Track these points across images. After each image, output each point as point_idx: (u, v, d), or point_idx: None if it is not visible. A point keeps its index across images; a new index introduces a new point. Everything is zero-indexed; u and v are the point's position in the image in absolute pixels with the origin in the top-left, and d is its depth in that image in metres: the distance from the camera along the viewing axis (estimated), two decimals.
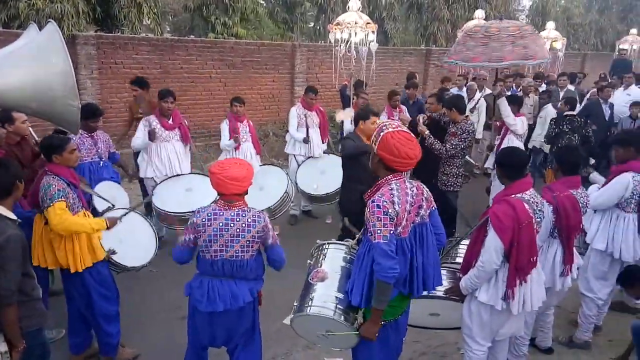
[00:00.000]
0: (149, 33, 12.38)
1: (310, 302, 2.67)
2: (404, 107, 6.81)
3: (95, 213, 3.76)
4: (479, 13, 11.00)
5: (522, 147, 5.86)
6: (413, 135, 2.61)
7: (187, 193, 4.98)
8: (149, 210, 5.34)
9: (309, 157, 6.13)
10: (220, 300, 2.79)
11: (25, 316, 2.58)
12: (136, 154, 5.51)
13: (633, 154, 3.85)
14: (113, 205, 3.94)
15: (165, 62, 9.04)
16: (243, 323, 2.94)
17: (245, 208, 2.82)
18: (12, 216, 2.60)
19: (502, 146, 5.63)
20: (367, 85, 7.63)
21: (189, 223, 2.84)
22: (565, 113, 6.50)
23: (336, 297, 2.65)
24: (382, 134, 2.53)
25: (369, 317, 2.59)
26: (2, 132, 3.67)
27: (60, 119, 3.00)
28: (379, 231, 2.41)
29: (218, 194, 2.84)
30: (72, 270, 3.28)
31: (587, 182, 4.22)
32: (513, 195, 2.89)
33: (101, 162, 4.55)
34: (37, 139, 4.17)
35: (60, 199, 3.15)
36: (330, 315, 2.60)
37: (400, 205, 2.46)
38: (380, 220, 2.41)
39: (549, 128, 6.69)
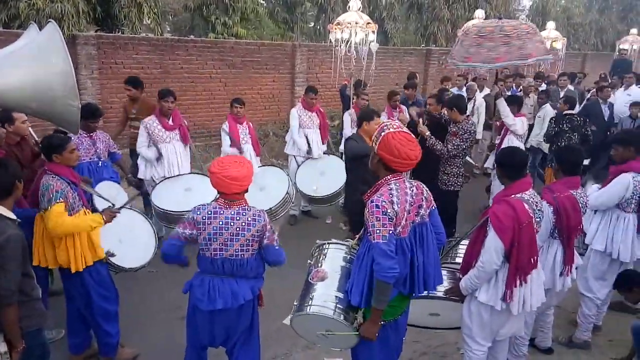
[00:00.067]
0: (149, 33, 12.37)
1: (310, 301, 2.67)
2: (404, 107, 6.81)
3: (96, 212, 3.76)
4: (479, 13, 11.01)
5: (522, 147, 5.86)
6: (413, 135, 2.61)
7: (186, 193, 4.99)
8: (148, 210, 5.34)
9: (309, 158, 6.13)
10: (220, 298, 2.79)
11: (25, 316, 2.58)
12: (135, 155, 5.51)
13: (633, 154, 3.86)
14: (113, 205, 3.93)
15: (165, 62, 9.04)
16: (242, 321, 2.94)
17: (246, 206, 2.81)
18: (12, 216, 2.60)
19: (502, 146, 5.63)
20: (367, 85, 7.62)
21: (186, 217, 2.81)
22: (565, 112, 6.50)
23: (336, 297, 2.66)
24: (382, 134, 2.53)
25: (368, 317, 2.59)
26: (2, 132, 3.66)
27: (60, 119, 3.00)
28: (378, 231, 2.42)
29: (218, 193, 2.83)
30: (73, 270, 3.28)
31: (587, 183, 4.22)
32: (513, 196, 2.89)
33: (100, 162, 4.55)
34: (36, 139, 4.17)
35: (58, 201, 3.15)
36: (330, 314, 2.61)
37: (399, 205, 2.47)
38: (379, 220, 2.42)
39: (548, 127, 6.70)
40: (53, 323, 3.84)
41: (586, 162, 6.64)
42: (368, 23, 6.88)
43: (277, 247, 2.89)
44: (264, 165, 6.11)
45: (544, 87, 9.14)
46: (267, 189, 5.39)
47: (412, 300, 2.83)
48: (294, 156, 6.24)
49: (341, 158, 6.36)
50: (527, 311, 3.05)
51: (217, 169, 2.72)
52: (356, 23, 6.77)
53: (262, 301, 3.09)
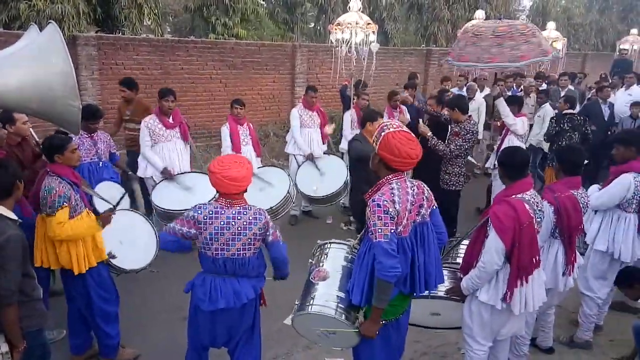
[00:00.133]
0: (150, 34, 12.37)
1: (311, 301, 2.67)
2: (404, 108, 6.81)
3: (97, 214, 3.75)
4: (479, 13, 10.99)
5: (523, 147, 5.85)
6: (413, 135, 2.61)
7: (186, 192, 4.99)
8: (149, 210, 5.34)
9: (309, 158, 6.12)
10: (222, 298, 2.79)
11: (26, 316, 2.58)
12: (132, 155, 5.51)
13: (634, 154, 3.86)
14: (114, 206, 3.93)
15: (165, 62, 9.04)
16: (245, 321, 2.94)
17: (246, 206, 2.81)
18: (13, 216, 2.60)
19: (503, 146, 5.62)
20: (367, 85, 7.62)
21: (185, 215, 2.79)
22: (565, 111, 6.50)
23: (337, 296, 2.66)
24: (383, 134, 2.54)
25: (369, 316, 2.59)
26: (3, 132, 3.66)
27: (60, 119, 3.00)
28: (379, 230, 2.42)
29: (217, 192, 2.83)
30: (76, 272, 3.27)
31: (587, 183, 4.21)
32: (514, 196, 2.89)
33: (101, 163, 4.56)
34: (37, 139, 4.17)
35: (62, 206, 3.14)
36: (331, 314, 2.61)
37: (400, 205, 2.47)
38: (381, 220, 2.42)
39: (549, 126, 6.69)
40: (54, 323, 3.84)
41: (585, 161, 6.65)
42: (368, 23, 6.88)
43: (282, 243, 2.91)
44: (264, 166, 6.11)
45: (544, 87, 9.14)
46: (267, 189, 5.39)
47: (413, 300, 2.84)
48: (295, 156, 6.24)
49: (341, 158, 6.36)
50: (529, 311, 3.05)
51: (217, 169, 2.72)
52: (356, 23, 6.77)
53: (264, 300, 3.09)
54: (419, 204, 2.58)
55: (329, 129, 6.35)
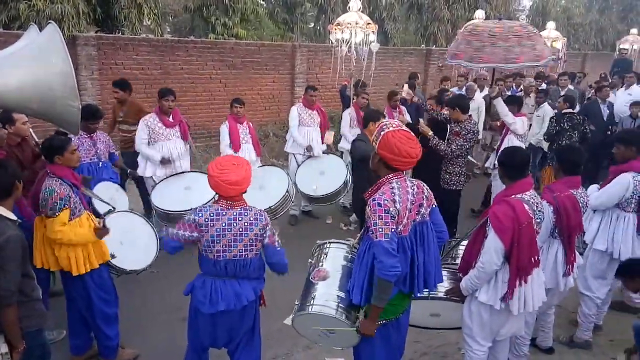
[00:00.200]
0: (150, 34, 12.37)
1: (312, 300, 2.67)
2: (403, 108, 6.81)
3: (97, 215, 3.76)
4: (479, 13, 11.00)
5: (523, 147, 5.85)
6: (413, 134, 2.61)
7: (186, 191, 4.99)
8: (148, 210, 5.34)
9: (309, 157, 6.13)
10: (222, 300, 2.78)
11: (25, 317, 2.57)
12: (126, 157, 5.50)
13: (634, 154, 3.86)
14: (114, 208, 3.94)
15: (165, 62, 9.04)
16: (245, 322, 2.94)
17: (247, 207, 2.81)
18: (12, 216, 2.59)
19: (503, 146, 5.62)
20: (367, 85, 7.63)
21: (186, 219, 2.78)
22: (564, 111, 6.50)
23: (338, 296, 2.66)
24: (382, 133, 2.53)
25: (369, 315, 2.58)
26: (2, 133, 3.66)
27: (60, 119, 3.00)
28: (380, 229, 2.41)
29: (216, 194, 2.83)
30: (74, 273, 3.27)
31: (586, 182, 4.21)
32: (513, 196, 2.89)
33: (100, 163, 4.55)
34: (37, 140, 4.17)
35: (62, 209, 3.14)
36: (332, 313, 2.61)
37: (401, 204, 2.47)
38: (382, 219, 2.42)
39: (549, 126, 6.69)
40: (54, 324, 3.84)
41: None
42: (368, 23, 6.88)
43: (278, 248, 2.88)
44: (264, 165, 6.12)
45: (544, 87, 9.13)
46: (267, 188, 5.40)
47: (413, 300, 2.83)
48: (294, 155, 6.24)
49: (341, 157, 6.36)
50: (529, 311, 3.05)
51: (216, 173, 2.69)
52: (356, 23, 6.77)
53: (264, 301, 3.09)
54: (418, 203, 2.58)
55: (329, 137, 6.35)
